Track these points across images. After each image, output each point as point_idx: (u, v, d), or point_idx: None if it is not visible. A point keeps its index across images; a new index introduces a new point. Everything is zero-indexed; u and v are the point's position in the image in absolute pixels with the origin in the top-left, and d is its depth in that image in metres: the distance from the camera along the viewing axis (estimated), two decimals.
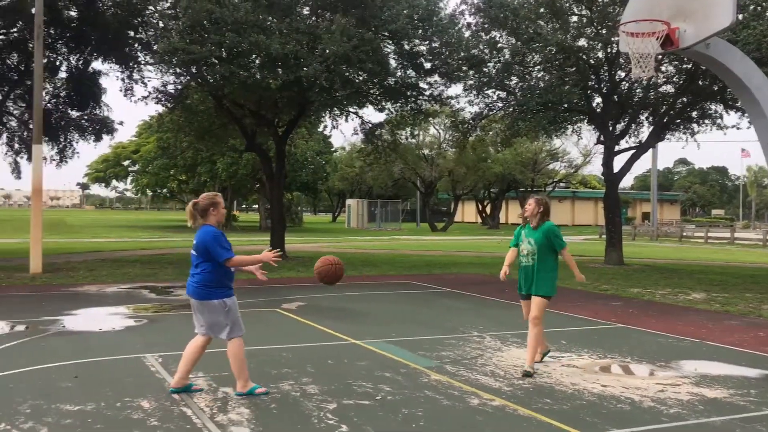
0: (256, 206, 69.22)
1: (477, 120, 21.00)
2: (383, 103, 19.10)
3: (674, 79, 18.97)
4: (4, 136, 22.08)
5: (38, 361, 6.76)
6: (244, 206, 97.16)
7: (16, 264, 17.14)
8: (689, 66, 17.19)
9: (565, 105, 18.73)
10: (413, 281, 15.11)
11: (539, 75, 19.75)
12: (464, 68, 18.06)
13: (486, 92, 19.64)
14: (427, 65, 17.91)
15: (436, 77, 18.39)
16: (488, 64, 18.71)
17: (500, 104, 20.22)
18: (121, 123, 22.47)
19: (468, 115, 21.75)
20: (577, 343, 8.16)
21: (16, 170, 22.80)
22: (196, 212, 5.63)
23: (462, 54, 17.33)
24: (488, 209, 60.00)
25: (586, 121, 21.18)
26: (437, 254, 24.29)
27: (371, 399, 5.62)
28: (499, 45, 18.65)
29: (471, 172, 48.11)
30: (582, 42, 18.42)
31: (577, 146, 72.46)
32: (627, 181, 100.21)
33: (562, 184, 62.02)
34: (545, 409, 5.43)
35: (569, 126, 21.40)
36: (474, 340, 8.21)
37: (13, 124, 21.82)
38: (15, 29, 18.06)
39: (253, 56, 16.33)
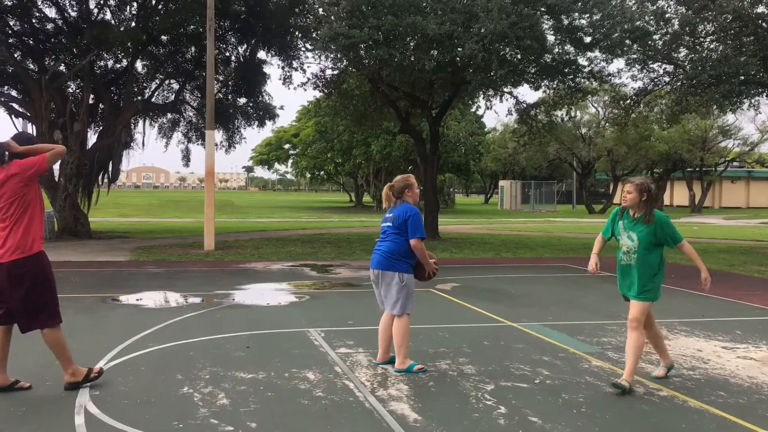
0: None
1: (640, 96, 19.90)
2: (540, 82, 18.58)
3: None
4: (182, 125, 23.97)
5: (214, 332, 7.30)
6: None
7: (191, 241, 18.58)
8: None
9: (742, 77, 17.25)
10: (570, 264, 14.68)
11: (712, 46, 18.33)
12: (627, 41, 17.12)
13: (651, 66, 18.53)
14: (587, 40, 17.18)
15: (596, 52, 17.61)
16: (654, 36, 17.62)
17: (667, 78, 19.00)
18: (281, 107, 23.63)
19: (630, 91, 20.68)
20: (755, 334, 7.56)
21: (186, 157, 24.70)
22: (392, 194, 5.93)
23: (625, 26, 16.44)
24: None
25: (765, 94, 19.41)
26: (595, 237, 23.38)
27: (529, 382, 5.54)
28: (667, 15, 17.50)
29: (632, 151, 45.69)
30: (761, 9, 16.85)
31: (754, 122, 66.53)
32: None
33: (735, 164, 57.38)
34: (719, 402, 5.09)
35: (746, 100, 19.71)
36: None
37: (190, 114, 23.60)
38: (192, 23, 19.43)
39: (408, 39, 16.47)
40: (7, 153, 4.99)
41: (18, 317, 5.07)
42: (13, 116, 20.46)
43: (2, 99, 20.16)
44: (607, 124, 44.77)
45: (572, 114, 27.79)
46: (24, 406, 4.78)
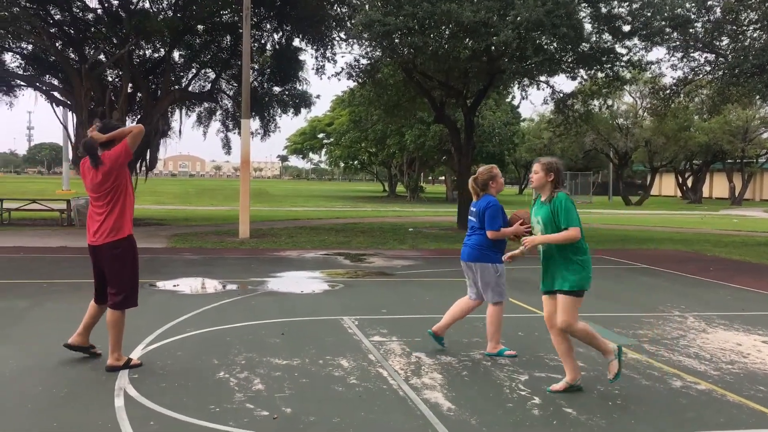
0: (443, 178, 70.00)
1: (680, 86, 19.52)
2: (576, 71, 18.32)
3: None
4: (219, 114, 24.18)
5: (249, 318, 7.38)
6: (430, 178, 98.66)
7: (227, 229, 18.79)
8: None
9: None
10: (606, 256, 14.51)
11: (755, 34, 17.88)
12: (667, 29, 16.79)
13: (692, 55, 18.15)
14: (626, 28, 16.88)
15: (635, 41, 17.30)
16: (695, 24, 17.25)
17: (708, 68, 18.60)
18: (318, 96, 23.68)
19: (669, 81, 20.30)
20: None
21: (227, 146, 24.90)
22: (477, 187, 6.00)
23: (665, 14, 16.11)
24: (690, 182, 55.83)
25: None
26: (631, 229, 23.10)
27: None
28: (709, 2, 17.11)
29: (671, 142, 44.84)
30: None
31: None
32: None
33: None
34: (758, 396, 5.00)
35: None
36: (675, 320, 7.73)
37: (227, 102, 23.80)
38: (228, 12, 19.56)
39: (443, 27, 16.36)
40: (98, 150, 5.30)
41: (110, 295, 5.39)
42: (54, 104, 20.88)
43: (44, 87, 20.56)
44: (645, 114, 44.05)
45: (609, 104, 27.34)
46: (66, 388, 4.90)
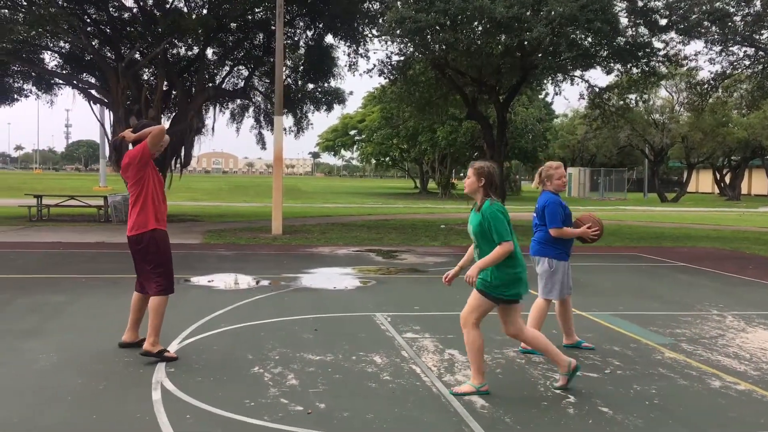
0: None
1: (718, 80, 19.13)
2: (612, 65, 18.07)
3: None
4: (251, 110, 24.37)
5: (282, 314, 7.43)
6: (462, 174, 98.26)
7: (260, 225, 18.93)
8: None
9: None
10: (641, 254, 14.30)
11: None
12: (705, 23, 16.46)
13: (730, 49, 17.78)
14: (663, 22, 16.59)
15: (672, 34, 17.01)
16: (735, 17, 16.88)
17: (747, 62, 18.21)
18: (350, 93, 23.75)
19: (707, 75, 19.94)
20: None
21: (261, 141, 25.09)
22: (539, 177, 6.12)
23: (704, 7, 15.79)
24: (728, 179, 54.74)
25: None
26: (668, 226, 22.72)
27: (599, 372, 5.44)
28: None
29: (708, 137, 44.01)
30: None
31: None
32: None
33: None
34: None
35: None
36: (713, 319, 7.59)
37: (259, 99, 23.97)
38: (260, 9, 19.70)
39: (475, 23, 16.27)
40: (123, 149, 5.74)
41: (144, 284, 5.74)
42: (91, 102, 21.25)
43: (81, 86, 20.93)
44: (682, 109, 43.30)
45: (645, 99, 26.98)
46: (104, 381, 4.98)
